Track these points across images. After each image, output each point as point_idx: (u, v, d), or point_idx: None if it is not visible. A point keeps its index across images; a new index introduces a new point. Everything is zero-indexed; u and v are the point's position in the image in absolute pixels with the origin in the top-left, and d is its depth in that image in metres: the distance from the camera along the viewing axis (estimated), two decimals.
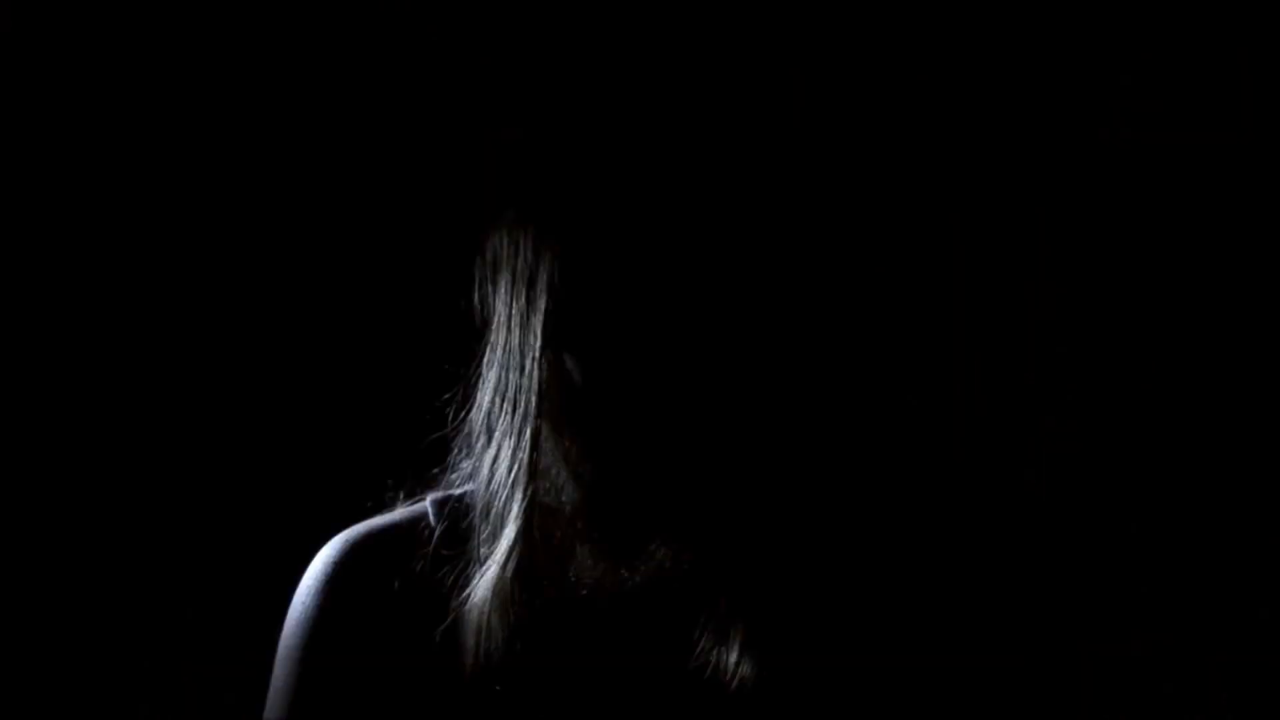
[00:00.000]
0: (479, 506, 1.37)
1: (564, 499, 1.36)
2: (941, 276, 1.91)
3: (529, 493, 1.34)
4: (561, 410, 1.36)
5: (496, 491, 1.35)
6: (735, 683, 1.32)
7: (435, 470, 1.46)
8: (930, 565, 1.44)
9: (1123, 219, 1.91)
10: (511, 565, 1.32)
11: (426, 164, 1.96)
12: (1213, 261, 1.90)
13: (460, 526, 1.39)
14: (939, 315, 1.91)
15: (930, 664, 1.39)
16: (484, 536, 1.35)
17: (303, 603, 1.40)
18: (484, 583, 1.33)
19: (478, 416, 1.40)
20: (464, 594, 1.34)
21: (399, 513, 1.45)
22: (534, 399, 1.34)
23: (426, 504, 1.43)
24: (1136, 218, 1.90)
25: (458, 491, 1.43)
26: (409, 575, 1.37)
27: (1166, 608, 1.87)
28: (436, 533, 1.39)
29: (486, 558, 1.34)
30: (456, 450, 1.44)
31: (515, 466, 1.34)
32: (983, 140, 1.91)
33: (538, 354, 1.33)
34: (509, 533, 1.33)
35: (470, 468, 1.42)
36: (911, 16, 1.90)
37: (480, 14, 1.79)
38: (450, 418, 1.44)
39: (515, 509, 1.34)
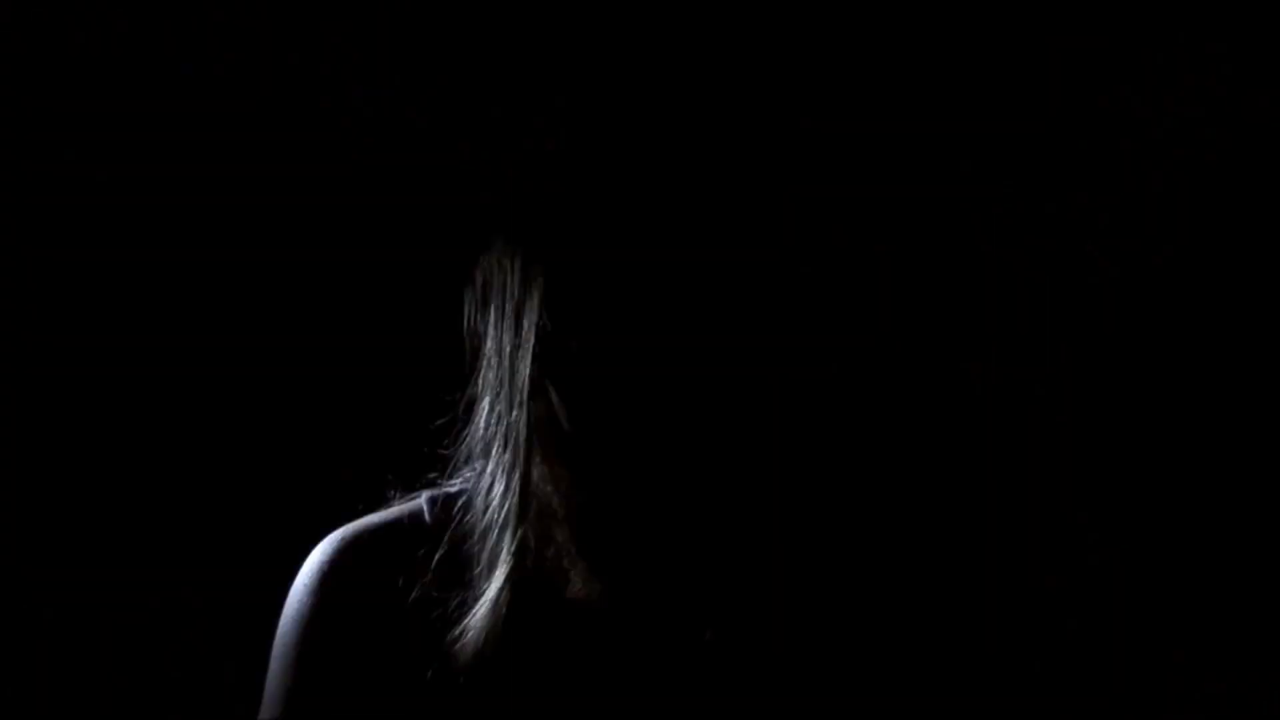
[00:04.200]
0: (476, 532, 1.37)
1: (558, 521, 1.36)
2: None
3: (518, 535, 1.34)
4: (552, 439, 1.35)
5: (489, 528, 1.35)
6: (729, 695, 1.33)
7: (433, 475, 1.46)
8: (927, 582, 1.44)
9: None
10: (502, 606, 1.32)
11: (429, 175, 1.95)
12: None
13: (457, 525, 1.39)
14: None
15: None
16: (480, 566, 1.35)
17: (298, 600, 1.40)
18: (478, 619, 1.33)
19: (474, 440, 1.40)
20: (459, 604, 1.34)
21: (394, 510, 1.45)
22: (523, 441, 1.33)
23: (422, 501, 1.43)
24: None
25: (453, 489, 1.43)
26: (405, 573, 1.37)
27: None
28: (434, 531, 1.39)
29: (480, 589, 1.34)
30: (459, 459, 1.44)
31: (505, 508, 1.34)
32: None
33: (525, 398, 1.33)
34: (499, 574, 1.33)
35: (473, 473, 1.42)
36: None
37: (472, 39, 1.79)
38: (452, 438, 1.43)
39: (504, 551, 1.34)
